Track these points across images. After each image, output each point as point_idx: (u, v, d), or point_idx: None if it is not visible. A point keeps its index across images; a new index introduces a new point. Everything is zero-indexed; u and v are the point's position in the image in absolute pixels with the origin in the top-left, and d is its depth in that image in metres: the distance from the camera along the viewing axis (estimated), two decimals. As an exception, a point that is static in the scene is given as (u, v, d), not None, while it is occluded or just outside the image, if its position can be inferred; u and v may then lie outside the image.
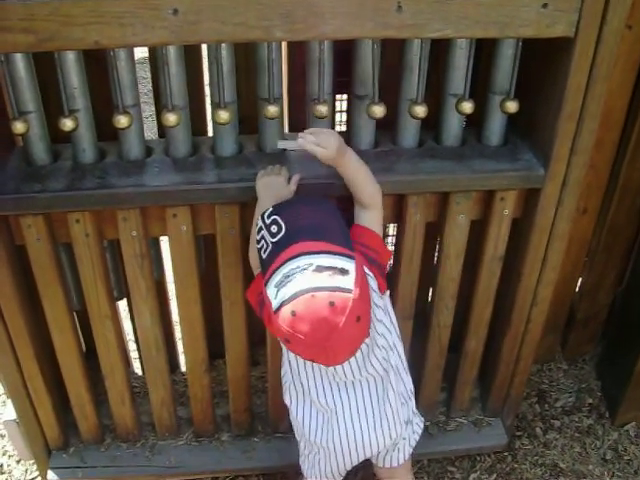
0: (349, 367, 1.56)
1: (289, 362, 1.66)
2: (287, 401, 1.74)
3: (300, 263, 1.32)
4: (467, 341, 2.03)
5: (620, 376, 2.38)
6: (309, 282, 1.29)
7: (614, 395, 2.42)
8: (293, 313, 1.27)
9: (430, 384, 2.12)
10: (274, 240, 1.40)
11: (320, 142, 1.51)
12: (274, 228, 1.41)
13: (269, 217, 1.42)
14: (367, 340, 1.49)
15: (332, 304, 1.26)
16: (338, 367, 1.55)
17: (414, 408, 1.82)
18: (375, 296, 1.52)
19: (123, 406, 2.04)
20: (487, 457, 2.27)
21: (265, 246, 1.42)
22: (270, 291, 1.34)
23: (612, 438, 2.36)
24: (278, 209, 1.44)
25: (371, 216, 1.60)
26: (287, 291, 1.29)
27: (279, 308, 1.30)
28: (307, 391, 1.65)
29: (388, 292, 1.64)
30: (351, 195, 1.61)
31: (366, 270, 1.48)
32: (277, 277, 1.33)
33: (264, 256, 1.42)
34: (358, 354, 1.51)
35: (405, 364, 1.74)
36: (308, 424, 1.71)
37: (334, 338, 1.27)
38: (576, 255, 2.30)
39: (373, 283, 1.52)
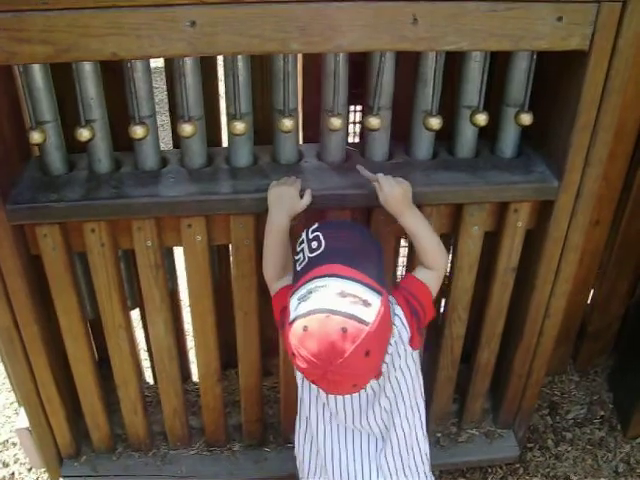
0: (350, 410, 1.54)
1: (302, 397, 1.64)
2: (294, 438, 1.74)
3: (327, 283, 1.31)
4: (479, 352, 2.03)
5: (632, 388, 2.37)
6: (329, 303, 1.28)
7: (626, 407, 2.41)
8: (305, 328, 1.27)
9: (442, 395, 2.12)
10: (311, 255, 1.40)
11: (389, 184, 1.54)
12: (314, 244, 1.41)
13: (312, 232, 1.43)
14: (374, 384, 1.48)
15: (344, 330, 1.24)
16: (340, 408, 1.54)
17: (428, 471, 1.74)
18: (401, 346, 1.49)
19: (135, 415, 2.04)
20: (499, 469, 2.27)
21: (302, 259, 1.42)
22: (293, 302, 1.33)
23: (624, 450, 2.35)
24: (323, 227, 1.45)
25: (431, 275, 1.58)
26: (306, 306, 1.29)
27: (294, 320, 1.30)
28: (313, 430, 1.63)
29: (420, 350, 1.59)
30: (366, 207, 1.63)
31: (403, 320, 1.48)
32: (302, 291, 1.33)
33: (298, 268, 1.42)
34: (362, 398, 1.52)
35: (425, 428, 1.68)
36: (308, 465, 1.71)
37: (337, 364, 1.24)
38: (588, 267, 2.30)
39: (405, 334, 1.49)
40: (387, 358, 1.46)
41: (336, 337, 1.25)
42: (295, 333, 1.29)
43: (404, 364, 1.53)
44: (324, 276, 1.33)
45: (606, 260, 2.35)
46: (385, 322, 1.32)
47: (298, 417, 1.69)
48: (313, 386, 1.48)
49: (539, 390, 2.16)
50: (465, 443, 2.22)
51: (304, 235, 1.45)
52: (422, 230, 1.57)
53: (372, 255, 1.45)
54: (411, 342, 1.51)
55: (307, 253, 1.42)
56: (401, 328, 1.48)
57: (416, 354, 1.57)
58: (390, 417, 1.57)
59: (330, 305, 1.27)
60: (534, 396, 2.15)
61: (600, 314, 2.48)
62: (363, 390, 1.50)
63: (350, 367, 1.26)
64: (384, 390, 1.53)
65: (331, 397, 1.53)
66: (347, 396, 1.53)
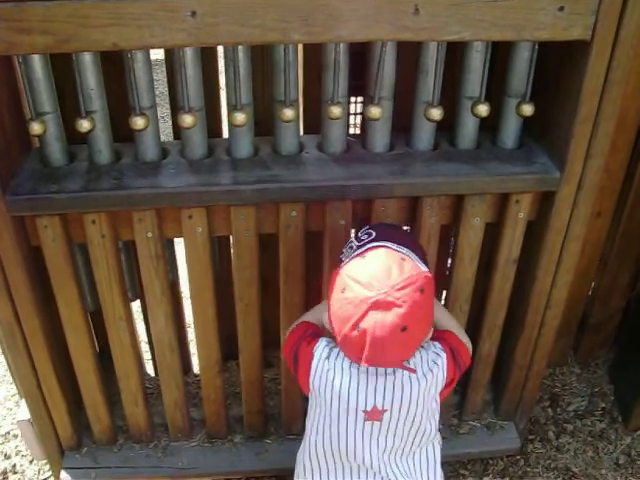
0: (377, 456, 1.52)
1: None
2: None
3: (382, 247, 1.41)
4: (480, 344, 2.02)
5: (633, 380, 2.37)
6: (385, 251, 1.39)
7: (627, 399, 2.42)
8: (362, 255, 1.39)
9: (443, 387, 2.12)
10: (359, 244, 1.45)
11: None
12: (365, 237, 1.46)
13: (363, 232, 1.48)
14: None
15: (402, 259, 1.37)
16: (366, 457, 1.52)
17: None
18: (433, 389, 1.49)
19: (136, 407, 2.04)
20: (499, 460, 2.27)
21: (349, 252, 1.46)
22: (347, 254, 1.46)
23: (625, 442, 2.35)
24: (374, 226, 1.53)
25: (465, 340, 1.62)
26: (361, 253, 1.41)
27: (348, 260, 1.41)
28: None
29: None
30: (367, 198, 1.63)
31: (444, 367, 1.48)
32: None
33: (344, 259, 1.46)
34: (389, 445, 1.51)
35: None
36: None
37: (393, 287, 1.30)
38: (590, 259, 2.30)
39: (441, 379, 1.48)
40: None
41: (394, 262, 1.35)
42: (351, 264, 1.38)
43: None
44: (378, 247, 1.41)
45: (608, 252, 2.35)
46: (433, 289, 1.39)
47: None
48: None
49: (540, 382, 2.16)
50: (466, 435, 2.22)
51: (352, 236, 1.52)
52: (448, 320, 1.62)
53: (417, 250, 1.49)
54: (442, 390, 1.51)
55: (355, 244, 1.46)
56: (439, 373, 1.47)
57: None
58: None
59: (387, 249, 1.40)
60: (535, 388, 2.15)
61: (601, 306, 2.48)
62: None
63: (404, 298, 1.30)
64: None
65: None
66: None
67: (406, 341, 1.33)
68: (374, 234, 1.45)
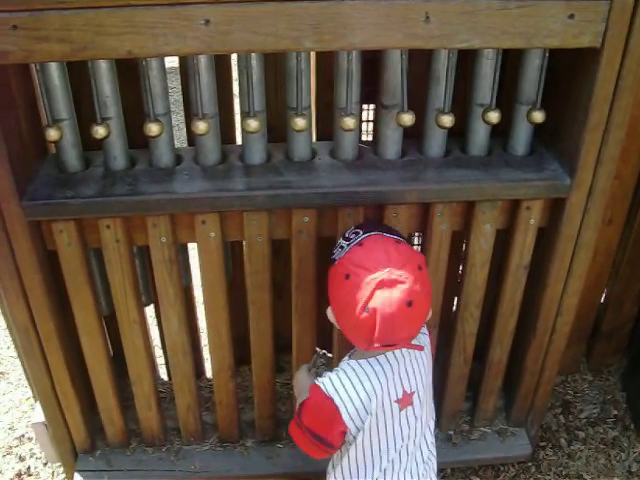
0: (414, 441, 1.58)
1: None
2: None
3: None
4: (492, 350, 2.03)
5: (645, 388, 2.37)
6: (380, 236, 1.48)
7: (639, 407, 2.41)
8: (361, 244, 1.45)
9: (454, 393, 2.12)
10: (349, 242, 1.49)
11: None
12: (352, 235, 1.50)
13: (351, 232, 1.53)
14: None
15: (398, 242, 1.45)
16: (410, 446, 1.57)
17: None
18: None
19: (149, 411, 2.06)
20: (511, 467, 2.27)
21: (339, 252, 1.49)
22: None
23: (637, 450, 2.34)
24: (360, 224, 1.61)
25: None
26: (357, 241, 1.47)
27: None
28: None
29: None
30: (378, 205, 1.67)
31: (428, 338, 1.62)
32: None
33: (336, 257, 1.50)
34: (419, 427, 1.58)
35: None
36: None
37: (395, 265, 1.37)
38: (601, 266, 2.30)
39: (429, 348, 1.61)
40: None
41: (390, 244, 1.43)
42: (350, 252, 1.44)
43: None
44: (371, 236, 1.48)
45: (619, 259, 2.35)
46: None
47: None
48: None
49: (552, 388, 2.16)
50: (477, 441, 2.22)
51: (341, 237, 1.55)
52: None
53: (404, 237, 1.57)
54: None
55: (344, 242, 1.50)
56: (427, 343, 1.61)
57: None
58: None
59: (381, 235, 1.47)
60: (547, 394, 2.15)
61: (613, 313, 2.48)
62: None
63: (405, 275, 1.36)
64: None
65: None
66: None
67: (412, 316, 1.39)
68: (361, 230, 1.50)
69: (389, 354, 1.49)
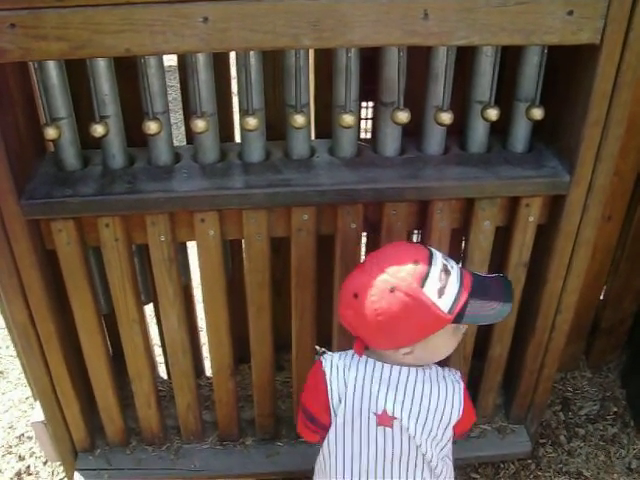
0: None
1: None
2: None
3: None
4: (491, 348, 2.03)
5: (645, 384, 2.37)
6: None
7: (639, 404, 2.41)
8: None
9: (454, 390, 2.12)
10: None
11: None
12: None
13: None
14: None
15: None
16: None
17: None
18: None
19: (149, 409, 2.06)
20: (511, 464, 2.27)
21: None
22: None
23: (637, 447, 2.34)
24: None
25: None
26: None
27: None
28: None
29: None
30: (377, 202, 1.65)
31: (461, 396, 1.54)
32: None
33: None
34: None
35: None
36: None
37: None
38: (601, 263, 2.30)
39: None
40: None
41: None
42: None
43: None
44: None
45: (619, 256, 2.35)
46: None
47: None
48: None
49: (551, 385, 2.16)
50: (477, 438, 2.22)
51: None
52: None
53: None
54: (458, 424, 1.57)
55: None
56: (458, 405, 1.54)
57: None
58: None
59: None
60: (546, 391, 2.15)
61: (613, 310, 2.48)
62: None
63: (380, 276, 1.37)
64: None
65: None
66: None
67: (354, 308, 1.41)
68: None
69: (385, 373, 1.49)
